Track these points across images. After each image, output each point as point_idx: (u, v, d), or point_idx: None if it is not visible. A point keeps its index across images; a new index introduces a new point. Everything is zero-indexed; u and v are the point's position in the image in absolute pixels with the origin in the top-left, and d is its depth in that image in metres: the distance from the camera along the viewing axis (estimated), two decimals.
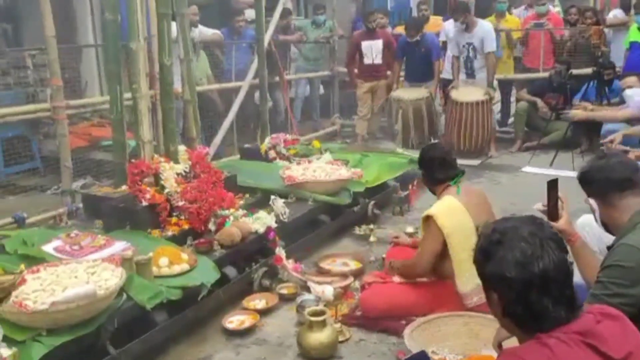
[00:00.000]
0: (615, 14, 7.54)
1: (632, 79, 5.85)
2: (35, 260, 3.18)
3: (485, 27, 6.87)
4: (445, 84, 7.29)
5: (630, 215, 2.16)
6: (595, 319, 1.50)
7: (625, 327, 1.54)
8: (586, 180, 2.35)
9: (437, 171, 3.27)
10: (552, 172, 5.78)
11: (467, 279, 3.00)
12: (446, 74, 7.32)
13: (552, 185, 2.33)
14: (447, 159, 3.27)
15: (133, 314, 2.90)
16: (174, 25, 4.38)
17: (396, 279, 3.33)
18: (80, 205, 4.39)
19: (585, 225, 2.84)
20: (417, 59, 7.17)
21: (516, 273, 1.47)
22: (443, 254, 3.11)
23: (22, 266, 3.01)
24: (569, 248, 2.33)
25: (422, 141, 6.88)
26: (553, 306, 1.46)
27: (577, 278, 2.43)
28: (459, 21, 6.76)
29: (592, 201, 2.34)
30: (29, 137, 6.02)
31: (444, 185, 3.26)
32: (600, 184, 2.27)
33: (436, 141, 3.69)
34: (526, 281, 1.46)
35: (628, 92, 5.73)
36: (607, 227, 2.34)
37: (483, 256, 1.56)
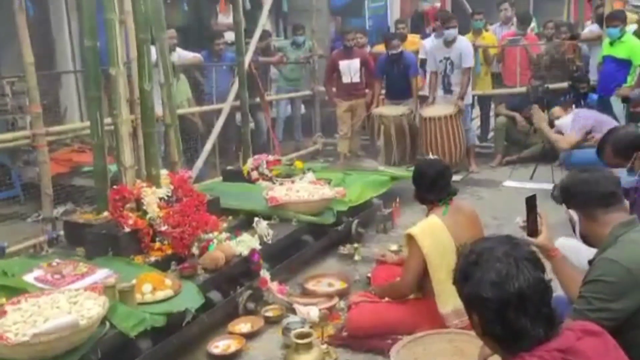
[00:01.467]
0: (591, 29, 7.69)
1: (556, 110, 6.17)
2: (16, 291, 3.13)
3: (463, 42, 6.99)
4: (424, 101, 7.39)
5: (611, 228, 2.18)
6: (576, 335, 1.52)
7: (606, 343, 1.56)
8: (569, 193, 2.35)
9: (427, 192, 3.29)
10: (533, 186, 5.86)
11: (446, 299, 3.03)
12: (425, 91, 7.42)
13: (531, 201, 2.36)
14: (439, 181, 3.25)
15: (117, 343, 2.87)
16: (153, 49, 4.39)
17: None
18: (62, 232, 4.34)
19: (563, 246, 2.83)
20: (396, 76, 7.24)
21: (492, 293, 1.49)
22: (426, 272, 3.13)
23: (4, 300, 2.96)
24: (549, 263, 2.37)
25: (404, 157, 6.94)
26: (531, 325, 1.48)
27: (559, 292, 2.46)
28: (451, 27, 6.84)
29: (572, 212, 2.35)
30: (9, 165, 5.96)
31: (433, 203, 3.28)
32: (584, 198, 2.27)
33: (434, 157, 3.62)
34: (503, 301, 1.48)
35: (558, 122, 5.99)
36: (587, 239, 2.35)
37: (461, 277, 1.59)
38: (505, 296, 1.48)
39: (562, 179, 2.49)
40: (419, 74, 7.38)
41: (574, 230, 2.39)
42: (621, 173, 3.13)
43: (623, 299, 2.00)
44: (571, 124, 5.73)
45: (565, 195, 2.39)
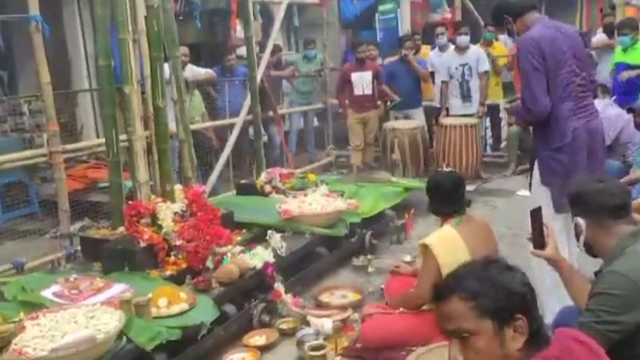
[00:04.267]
0: (599, 38, 7.69)
1: None
2: (34, 306, 3.19)
3: (477, 49, 7.23)
4: (436, 112, 7.42)
5: (618, 239, 2.18)
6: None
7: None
8: (580, 201, 2.34)
9: (441, 204, 3.30)
10: (525, 193, 5.81)
11: None
12: (436, 103, 7.45)
13: (536, 213, 2.37)
14: (453, 194, 3.25)
15: (133, 356, 2.91)
16: (166, 67, 4.47)
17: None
18: (79, 248, 4.41)
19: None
20: (407, 82, 7.29)
21: None
22: None
23: (23, 315, 3.02)
24: (558, 274, 2.38)
25: (418, 170, 6.96)
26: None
27: (570, 302, 2.45)
28: (463, 34, 7.03)
29: (579, 220, 2.35)
30: (27, 182, 6.06)
31: (447, 215, 3.30)
32: (597, 207, 2.26)
33: (449, 169, 3.59)
34: None
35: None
36: (591, 249, 2.34)
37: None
38: None
39: (574, 187, 2.47)
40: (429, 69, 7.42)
41: (577, 239, 2.38)
42: None
43: (630, 312, 2.00)
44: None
45: (577, 202, 2.38)
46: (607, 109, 5.56)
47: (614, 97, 5.86)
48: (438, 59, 7.47)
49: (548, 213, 3.07)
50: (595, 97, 5.04)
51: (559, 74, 3.24)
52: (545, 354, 1.54)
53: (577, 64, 3.29)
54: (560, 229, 3.22)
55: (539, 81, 3.21)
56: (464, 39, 7.05)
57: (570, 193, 2.41)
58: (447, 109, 7.21)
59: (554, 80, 3.24)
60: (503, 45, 8.18)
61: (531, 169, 3.59)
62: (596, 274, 2.19)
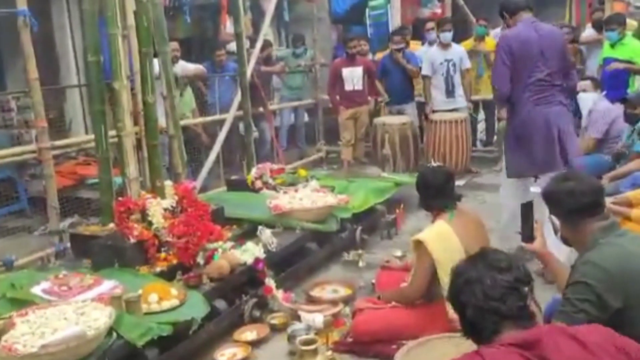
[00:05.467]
0: (588, 33, 7.73)
1: (586, 83, 5.88)
2: (24, 303, 3.17)
3: (459, 46, 7.33)
4: (421, 107, 7.46)
5: (591, 235, 2.24)
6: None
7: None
8: (554, 201, 2.39)
9: (432, 199, 3.32)
10: (537, 190, 5.84)
11: None
12: (422, 98, 7.49)
13: (527, 208, 2.40)
14: (444, 188, 3.28)
15: (124, 352, 2.90)
16: (155, 62, 4.45)
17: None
18: (68, 244, 4.39)
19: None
20: (398, 76, 7.31)
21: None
22: (434, 277, 3.15)
23: (13, 312, 3.00)
24: (545, 268, 2.43)
25: (408, 166, 6.98)
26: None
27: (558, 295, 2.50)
28: (446, 30, 7.10)
29: (554, 218, 2.40)
30: (15, 179, 6.02)
31: (439, 210, 3.31)
32: (568, 208, 2.31)
33: (438, 164, 3.62)
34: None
35: (582, 95, 5.77)
36: (567, 242, 2.42)
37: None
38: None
39: (547, 184, 2.51)
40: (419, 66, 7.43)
41: (555, 233, 2.44)
42: None
43: (604, 300, 2.06)
44: (593, 121, 5.63)
45: (549, 202, 2.42)
46: (597, 103, 5.59)
47: (604, 92, 5.89)
48: (423, 55, 7.50)
49: (502, 175, 4.33)
50: (571, 90, 5.15)
51: (524, 68, 3.97)
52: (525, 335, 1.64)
53: (542, 62, 3.98)
54: (513, 193, 4.19)
55: (502, 72, 4.03)
56: (446, 36, 7.12)
57: (545, 192, 2.46)
58: (431, 105, 7.24)
59: (519, 73, 3.99)
60: (494, 40, 8.18)
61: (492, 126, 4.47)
62: (572, 267, 2.24)
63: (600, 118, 5.52)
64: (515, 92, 4.03)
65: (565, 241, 2.41)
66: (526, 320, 1.70)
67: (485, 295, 1.69)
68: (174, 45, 6.22)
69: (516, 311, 1.68)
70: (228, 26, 8.16)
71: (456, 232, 3.15)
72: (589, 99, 5.62)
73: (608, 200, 3.23)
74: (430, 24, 7.75)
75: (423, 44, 8.19)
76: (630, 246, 2.18)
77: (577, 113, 6.33)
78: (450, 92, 7.18)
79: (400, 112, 7.44)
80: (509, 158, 4.24)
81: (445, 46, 7.15)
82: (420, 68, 7.35)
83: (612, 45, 6.47)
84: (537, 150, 4.04)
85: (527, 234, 2.42)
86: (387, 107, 7.64)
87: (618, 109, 5.60)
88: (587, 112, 5.62)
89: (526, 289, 1.72)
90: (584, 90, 5.70)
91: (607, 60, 6.55)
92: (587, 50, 7.63)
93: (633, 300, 2.07)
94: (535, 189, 6.06)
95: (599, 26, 7.19)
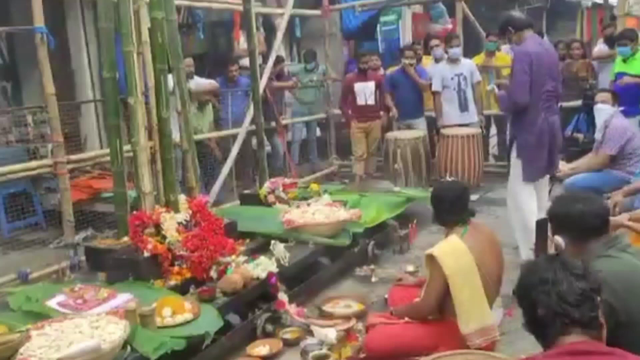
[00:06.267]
0: (600, 48, 7.73)
1: (606, 95, 5.85)
2: (39, 316, 3.21)
3: (468, 60, 7.35)
4: (433, 122, 7.45)
5: (593, 250, 2.27)
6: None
7: None
8: (564, 223, 2.39)
9: (446, 213, 3.32)
10: (550, 204, 5.81)
11: (469, 319, 3.02)
12: (432, 113, 7.50)
13: (542, 224, 2.40)
14: (457, 203, 3.27)
15: None
16: (170, 78, 4.50)
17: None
18: (83, 258, 4.42)
19: None
20: (408, 91, 7.33)
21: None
22: (447, 292, 3.14)
23: (29, 325, 3.03)
24: None
25: (420, 181, 6.97)
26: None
27: None
28: (455, 46, 7.13)
29: (560, 240, 2.39)
30: (31, 192, 6.08)
31: (452, 224, 3.31)
32: (578, 231, 2.33)
33: (452, 179, 3.64)
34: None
35: (599, 107, 5.72)
36: None
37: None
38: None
39: (553, 205, 2.51)
40: (430, 80, 7.44)
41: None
42: None
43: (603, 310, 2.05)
44: (608, 136, 5.60)
45: (558, 224, 2.43)
46: (614, 119, 5.55)
47: (621, 108, 5.85)
48: (432, 70, 7.51)
49: (517, 181, 4.60)
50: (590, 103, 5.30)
51: (537, 81, 4.36)
52: None
53: (549, 75, 4.45)
54: (530, 194, 4.60)
55: (524, 82, 4.34)
56: (455, 52, 7.14)
57: (551, 213, 2.48)
58: (442, 120, 7.24)
59: (534, 85, 4.36)
60: (505, 55, 8.20)
61: (509, 151, 4.72)
62: None
63: (617, 135, 5.47)
64: (531, 101, 4.38)
65: None
66: (595, 330, 1.72)
67: (560, 298, 1.70)
68: (189, 61, 6.29)
69: (587, 319, 1.70)
70: (241, 42, 8.25)
71: (469, 247, 3.14)
72: (606, 112, 5.58)
73: (624, 216, 3.22)
74: (435, 41, 7.75)
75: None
76: (633, 259, 2.19)
77: (590, 125, 6.31)
78: (463, 106, 7.17)
79: (409, 127, 7.45)
80: (528, 164, 4.53)
81: (454, 61, 7.16)
82: (430, 84, 7.37)
83: (625, 60, 6.47)
84: (546, 155, 4.54)
85: (542, 251, 2.42)
86: (397, 123, 7.65)
87: (633, 125, 5.57)
88: (601, 126, 5.58)
89: (598, 298, 1.73)
90: (603, 102, 5.66)
91: (619, 75, 6.54)
92: (599, 66, 7.62)
93: (636, 315, 2.07)
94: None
95: (611, 41, 7.19)
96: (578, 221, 2.31)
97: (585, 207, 2.33)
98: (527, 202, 4.63)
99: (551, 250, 2.45)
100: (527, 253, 4.26)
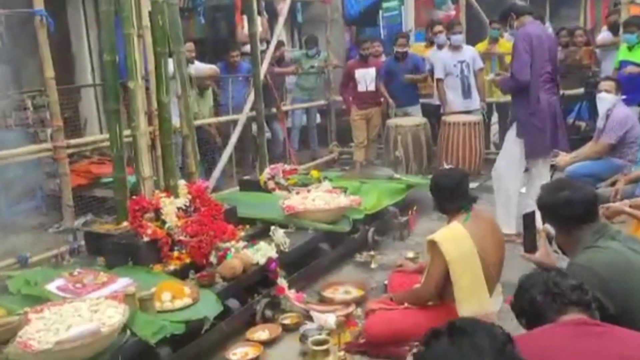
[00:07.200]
0: (604, 35, 7.66)
1: (609, 84, 5.79)
2: (38, 299, 3.20)
3: (470, 47, 7.33)
4: (435, 110, 7.41)
5: (583, 240, 2.28)
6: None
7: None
8: (551, 211, 2.40)
9: (446, 201, 3.31)
10: (523, 190, 5.78)
11: (468, 304, 3.02)
12: (435, 100, 7.45)
13: (528, 218, 2.39)
14: (457, 190, 3.27)
15: (137, 350, 2.91)
16: (170, 62, 4.47)
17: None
18: (82, 242, 4.42)
19: None
20: (402, 78, 7.28)
21: None
22: (447, 278, 3.14)
23: (28, 308, 3.03)
24: None
25: (421, 167, 6.95)
26: None
27: None
28: (457, 33, 7.12)
29: (549, 227, 2.39)
30: (31, 176, 6.06)
31: (454, 212, 3.30)
32: (562, 218, 2.33)
33: (450, 166, 3.63)
34: None
35: (602, 95, 5.67)
36: (563, 250, 2.45)
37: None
38: None
39: (541, 194, 2.51)
40: (425, 71, 7.39)
41: (550, 243, 2.44)
42: None
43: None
44: (609, 127, 5.57)
45: (544, 212, 2.42)
46: (616, 108, 5.51)
47: (624, 97, 5.81)
48: (434, 57, 7.46)
49: (516, 160, 4.91)
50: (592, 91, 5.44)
51: (537, 61, 4.61)
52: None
53: (549, 57, 4.72)
54: (515, 176, 4.96)
55: (525, 61, 4.59)
56: (457, 38, 7.11)
57: (540, 201, 2.49)
58: (447, 107, 7.20)
59: (534, 65, 4.60)
60: (508, 42, 8.13)
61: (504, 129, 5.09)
62: None
63: (618, 125, 5.45)
64: (532, 81, 4.61)
65: (561, 248, 2.44)
66: (590, 311, 1.86)
67: (556, 284, 1.87)
68: (190, 46, 6.26)
69: (583, 301, 1.86)
70: (246, 27, 8.20)
71: (471, 234, 3.13)
72: (609, 101, 5.55)
73: (624, 203, 3.20)
74: (438, 27, 7.67)
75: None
76: (621, 247, 2.20)
77: (593, 113, 6.28)
78: (467, 93, 7.15)
79: (405, 115, 7.40)
80: (531, 140, 4.75)
81: (456, 48, 7.11)
82: (430, 72, 7.32)
83: (630, 48, 6.41)
84: (549, 134, 4.75)
85: (530, 244, 2.42)
86: (394, 110, 7.59)
87: (635, 115, 5.54)
88: (603, 114, 5.56)
89: (590, 293, 1.89)
90: (606, 90, 5.62)
91: (623, 63, 6.49)
92: (602, 53, 7.56)
93: (630, 303, 2.09)
94: (522, 189, 6.09)
95: (614, 29, 7.13)
96: (565, 208, 2.32)
97: (572, 194, 2.34)
98: (511, 182, 4.98)
99: (540, 244, 2.44)
100: (508, 228, 4.64)
